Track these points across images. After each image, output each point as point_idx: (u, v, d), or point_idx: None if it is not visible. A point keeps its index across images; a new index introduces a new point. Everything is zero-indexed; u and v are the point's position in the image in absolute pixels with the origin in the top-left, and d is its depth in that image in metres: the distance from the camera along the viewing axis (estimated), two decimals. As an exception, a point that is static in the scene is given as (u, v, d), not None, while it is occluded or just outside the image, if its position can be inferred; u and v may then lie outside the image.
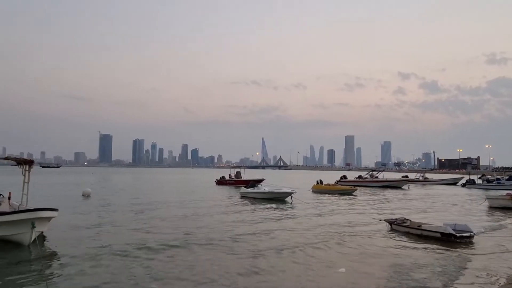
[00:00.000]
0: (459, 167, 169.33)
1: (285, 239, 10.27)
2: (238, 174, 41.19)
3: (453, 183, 48.42)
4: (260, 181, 31.34)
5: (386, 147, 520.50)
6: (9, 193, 13.03)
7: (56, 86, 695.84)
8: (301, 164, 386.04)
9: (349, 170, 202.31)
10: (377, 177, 42.42)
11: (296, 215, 15.64)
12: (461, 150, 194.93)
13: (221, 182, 40.70)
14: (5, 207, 11.91)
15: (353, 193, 27.68)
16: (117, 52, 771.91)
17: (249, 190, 24.32)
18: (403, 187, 38.34)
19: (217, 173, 59.17)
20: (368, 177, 42.37)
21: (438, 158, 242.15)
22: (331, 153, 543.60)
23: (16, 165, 13.48)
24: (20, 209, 11.45)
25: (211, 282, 6.47)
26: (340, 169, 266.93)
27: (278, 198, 22.14)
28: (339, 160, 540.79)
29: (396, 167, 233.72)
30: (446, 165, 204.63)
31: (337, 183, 35.75)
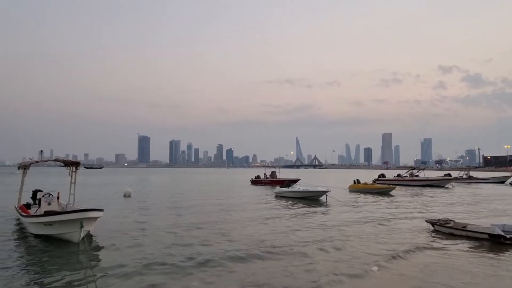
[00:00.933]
0: (507, 165, 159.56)
1: (319, 236, 10.15)
2: (273, 174, 41.23)
3: (501, 181, 45.61)
4: (295, 180, 31.15)
5: (426, 145, 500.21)
6: (58, 193, 13.80)
7: (98, 90, 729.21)
8: (336, 163, 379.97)
9: (386, 168, 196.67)
10: (417, 176, 40.86)
11: (330, 213, 15.40)
12: (509, 146, 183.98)
13: (256, 181, 40.88)
14: (54, 206, 12.66)
15: (391, 192, 26.91)
16: (154, 55, 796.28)
17: (284, 189, 24.34)
18: (446, 186, 36.67)
19: (252, 173, 59.53)
20: (408, 175, 40.92)
21: (483, 155, 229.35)
22: (368, 152, 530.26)
23: (63, 166, 14.31)
24: (67, 208, 12.16)
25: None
26: (377, 167, 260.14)
27: (313, 197, 21.96)
28: (376, 158, 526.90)
29: (437, 165, 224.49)
30: (492, 162, 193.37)
31: (374, 182, 34.84)
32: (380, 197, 23.80)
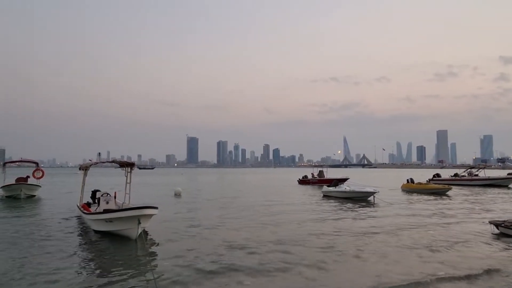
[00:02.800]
0: None
1: (365, 241, 9.78)
2: (321, 173, 40.69)
3: None
4: (344, 180, 30.41)
5: (486, 142, 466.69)
6: (115, 193, 14.58)
7: (150, 94, 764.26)
8: (386, 162, 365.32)
9: (442, 167, 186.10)
10: (476, 175, 38.15)
11: (379, 215, 14.80)
12: None
13: (303, 181, 40.52)
14: (112, 205, 13.38)
15: (447, 193, 25.38)
16: (201, 57, 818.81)
17: (331, 189, 23.89)
18: (509, 186, 33.90)
19: (299, 173, 59.09)
20: (466, 175, 38.35)
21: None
22: (421, 150, 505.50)
23: (119, 167, 15.08)
24: (123, 207, 12.78)
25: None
26: (431, 167, 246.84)
27: (361, 198, 21.30)
28: (430, 157, 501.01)
29: (499, 163, 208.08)
30: None
31: (429, 181, 33.04)
32: (436, 198, 22.52)
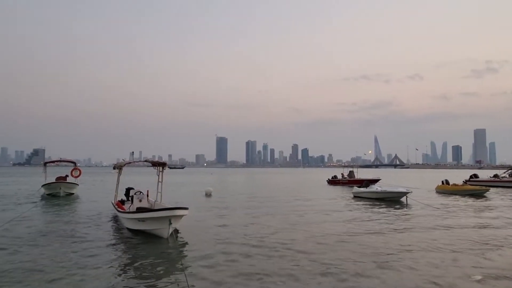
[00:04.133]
0: None
1: (403, 242, 9.50)
2: (351, 174, 40.00)
3: None
4: (375, 181, 29.79)
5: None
6: (147, 191, 15.00)
7: (180, 95, 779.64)
8: (420, 162, 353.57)
9: (480, 168, 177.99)
10: (518, 176, 36.17)
11: (413, 217, 14.33)
12: None
13: (333, 181, 40.01)
14: (144, 203, 13.78)
15: (485, 194, 24.25)
16: (230, 58, 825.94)
17: (362, 189, 23.44)
18: (555, 188, 31.87)
19: (328, 173, 58.39)
20: (507, 176, 36.43)
21: None
22: (457, 150, 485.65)
23: (151, 166, 15.49)
24: (155, 205, 13.11)
25: None
26: (468, 167, 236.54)
27: (392, 199, 20.73)
28: (466, 157, 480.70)
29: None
30: None
31: (465, 183, 31.69)
32: (473, 200, 21.55)
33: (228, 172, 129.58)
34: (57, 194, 22.76)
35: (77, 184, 24.84)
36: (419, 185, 36.86)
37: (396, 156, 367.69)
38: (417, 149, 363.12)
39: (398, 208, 17.34)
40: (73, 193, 23.80)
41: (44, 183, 23.69)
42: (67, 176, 24.93)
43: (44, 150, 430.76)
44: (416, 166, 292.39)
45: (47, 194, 23.12)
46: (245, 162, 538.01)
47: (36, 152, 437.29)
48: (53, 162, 29.55)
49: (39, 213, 15.50)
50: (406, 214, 15.37)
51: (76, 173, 25.59)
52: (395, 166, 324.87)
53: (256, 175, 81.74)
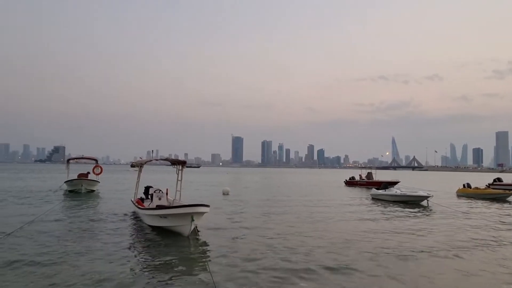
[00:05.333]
0: None
1: (431, 245, 9.32)
2: (369, 175, 39.39)
3: None
4: (394, 183, 29.33)
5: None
6: (167, 189, 15.13)
7: (196, 94, 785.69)
8: (439, 164, 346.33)
9: (502, 171, 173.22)
10: (544, 180, 34.99)
11: (437, 222, 14.04)
12: None
13: (351, 183, 39.56)
14: (164, 201, 13.91)
15: (508, 198, 23.58)
16: (243, 57, 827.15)
17: (381, 192, 23.06)
18: None
19: (344, 174, 57.87)
20: (531, 180, 35.29)
21: None
22: (478, 152, 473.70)
23: (170, 165, 15.61)
24: (174, 204, 13.21)
25: None
26: (489, 170, 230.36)
27: (412, 202, 20.33)
28: (488, 160, 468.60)
29: None
30: None
31: (488, 186, 30.82)
32: (497, 204, 20.96)
33: (243, 171, 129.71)
34: (79, 191, 23.23)
35: (98, 182, 25.30)
36: (439, 188, 36.10)
37: (414, 158, 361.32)
38: (436, 151, 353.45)
39: (420, 212, 17.00)
40: (94, 190, 24.25)
41: (66, 180, 24.22)
42: (88, 173, 25.42)
43: (64, 147, 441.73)
44: (435, 168, 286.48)
45: (69, 191, 23.64)
46: (260, 162, 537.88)
47: (57, 150, 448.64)
48: (75, 159, 30.16)
49: (62, 209, 15.85)
50: (430, 219, 15.05)
51: (97, 170, 26.07)
52: (413, 168, 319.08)
53: (272, 175, 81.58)
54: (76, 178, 24.01)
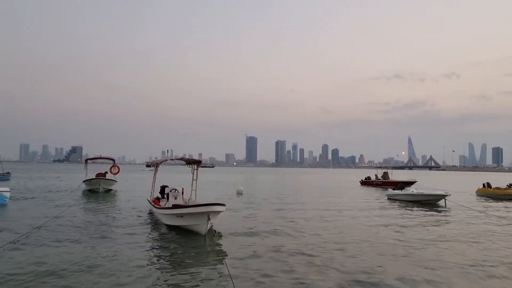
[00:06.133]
0: None
1: (450, 250, 9.16)
2: (385, 175, 38.92)
3: None
4: (411, 183, 28.91)
5: None
6: (182, 189, 15.23)
7: (210, 94, 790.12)
8: (457, 164, 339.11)
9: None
10: None
11: (457, 222, 13.76)
12: None
13: (366, 182, 39.15)
14: (180, 201, 13.99)
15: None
16: (257, 57, 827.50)
17: (397, 192, 22.74)
18: None
19: (359, 173, 57.30)
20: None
21: None
22: (497, 152, 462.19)
23: (185, 165, 15.72)
24: (190, 203, 13.29)
25: None
26: (510, 170, 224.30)
27: (429, 202, 19.97)
28: (508, 159, 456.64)
29: None
30: None
31: (509, 186, 30.04)
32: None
33: (257, 171, 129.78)
34: (97, 190, 23.63)
35: (116, 181, 25.70)
36: (458, 188, 35.37)
37: (431, 158, 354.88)
38: (453, 151, 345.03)
39: (438, 212, 16.70)
40: (111, 190, 24.65)
41: (85, 179, 24.69)
42: (106, 172, 25.84)
43: (81, 147, 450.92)
44: (453, 168, 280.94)
45: (88, 190, 24.09)
46: (274, 161, 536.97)
47: (74, 150, 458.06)
48: (94, 159, 30.70)
49: (81, 208, 16.14)
50: (449, 220, 14.78)
51: (115, 170, 26.48)
52: (430, 168, 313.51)
53: (286, 175, 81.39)
54: (94, 177, 24.42)
